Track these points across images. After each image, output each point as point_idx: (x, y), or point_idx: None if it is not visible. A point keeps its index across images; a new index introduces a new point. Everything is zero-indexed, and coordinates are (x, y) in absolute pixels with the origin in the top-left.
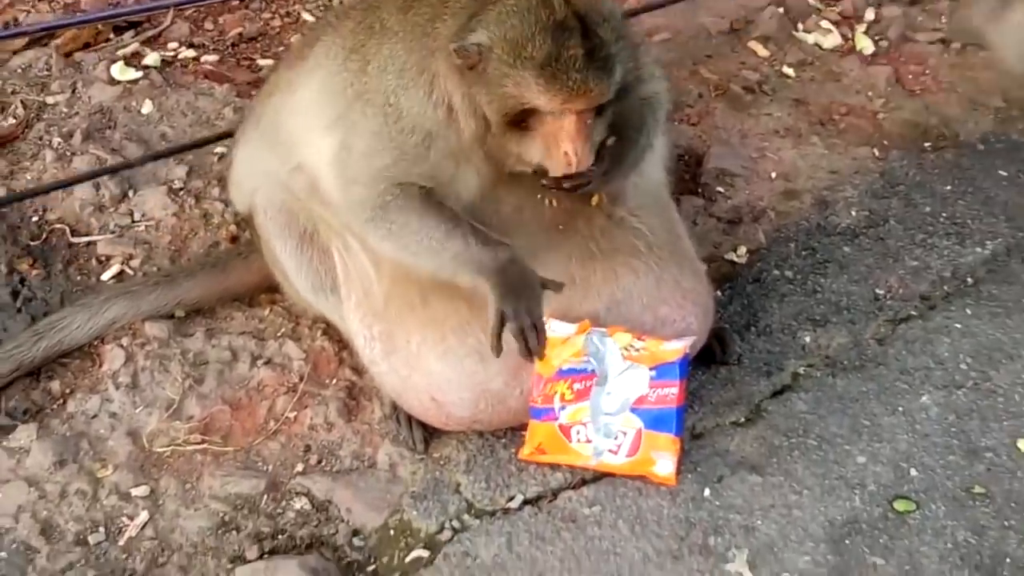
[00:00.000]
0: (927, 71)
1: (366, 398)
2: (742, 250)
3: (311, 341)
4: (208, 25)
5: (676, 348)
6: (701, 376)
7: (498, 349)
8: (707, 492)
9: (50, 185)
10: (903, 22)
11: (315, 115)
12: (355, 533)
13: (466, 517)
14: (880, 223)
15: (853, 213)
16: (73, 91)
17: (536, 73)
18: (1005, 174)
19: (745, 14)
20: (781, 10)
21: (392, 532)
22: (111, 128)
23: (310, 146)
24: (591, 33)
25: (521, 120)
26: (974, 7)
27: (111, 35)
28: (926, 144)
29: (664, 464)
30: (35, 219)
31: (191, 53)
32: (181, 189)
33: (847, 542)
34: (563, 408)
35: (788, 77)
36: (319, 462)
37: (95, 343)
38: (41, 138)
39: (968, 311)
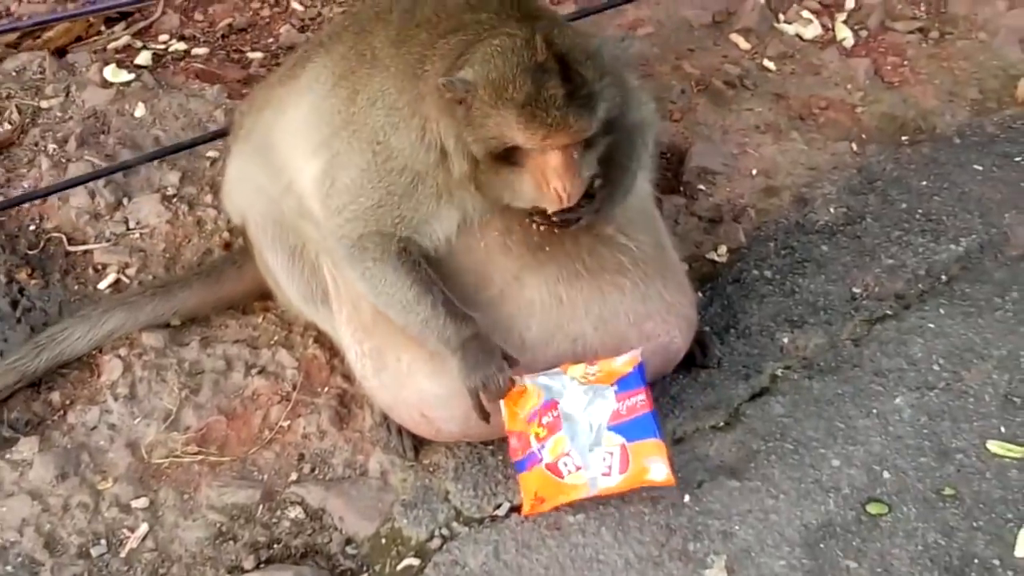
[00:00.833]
0: (905, 62)
1: (357, 406)
2: (723, 249)
3: (303, 349)
4: (198, 16)
5: (628, 359)
6: (682, 380)
7: (484, 416)
8: (687, 498)
9: (44, 191)
10: (883, 10)
11: (303, 137)
12: (348, 542)
13: (455, 525)
14: (857, 220)
15: (831, 210)
16: (67, 94)
17: (516, 113)
18: (980, 168)
19: (727, 6)
20: (762, 0)
21: (384, 541)
22: (105, 133)
23: (297, 167)
24: (572, 73)
25: (509, 158)
26: None
27: (102, 27)
28: (903, 138)
29: (658, 469)
30: (32, 228)
31: (182, 46)
32: (174, 196)
33: (821, 546)
34: (542, 447)
35: (768, 71)
36: (312, 471)
37: (93, 353)
38: (36, 144)
39: (942, 311)
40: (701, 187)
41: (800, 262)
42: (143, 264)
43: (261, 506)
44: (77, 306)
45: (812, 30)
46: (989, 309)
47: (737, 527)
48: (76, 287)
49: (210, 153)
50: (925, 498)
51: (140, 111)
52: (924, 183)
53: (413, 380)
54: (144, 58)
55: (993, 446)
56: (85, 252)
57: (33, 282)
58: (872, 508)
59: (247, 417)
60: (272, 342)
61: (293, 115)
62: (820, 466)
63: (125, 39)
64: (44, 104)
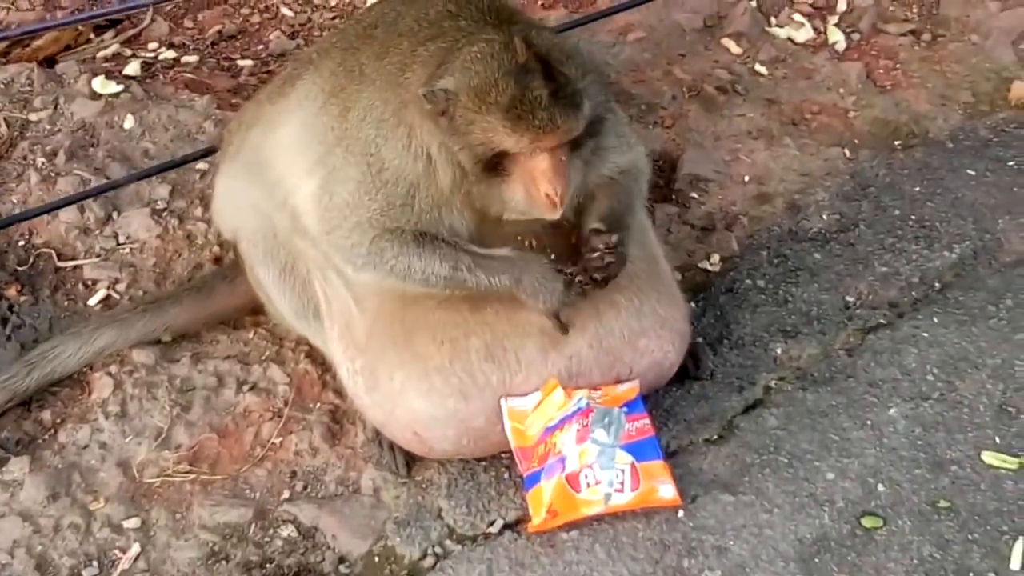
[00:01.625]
0: (898, 65)
1: (349, 422)
2: (715, 258)
3: (295, 364)
4: (188, 23)
5: (630, 388)
6: (675, 392)
7: (564, 330)
8: (681, 513)
9: (35, 211)
10: (874, 12)
11: (297, 154)
12: (341, 560)
13: (448, 543)
14: (850, 227)
15: (824, 217)
16: (55, 107)
17: (502, 117)
18: (973, 173)
19: (719, 9)
20: (754, 3)
21: (377, 559)
22: (94, 146)
23: (291, 184)
24: (555, 72)
25: (497, 164)
26: None
27: (91, 36)
28: (896, 143)
29: (666, 488)
30: (21, 243)
31: (171, 54)
32: (164, 210)
33: (816, 560)
34: (564, 459)
35: (760, 75)
36: (305, 488)
37: (84, 370)
38: (25, 157)
39: (935, 319)
40: (693, 195)
41: (793, 271)
42: (133, 279)
43: (253, 525)
44: (67, 322)
45: (804, 34)
46: (983, 317)
47: (731, 542)
48: (66, 303)
49: (200, 166)
50: (920, 511)
51: (129, 123)
52: (917, 189)
53: (406, 399)
54: (133, 68)
55: (988, 457)
56: (75, 268)
57: (23, 298)
58: (867, 522)
59: (239, 434)
60: (263, 358)
61: (285, 133)
62: (814, 479)
63: (114, 47)
64: (33, 117)
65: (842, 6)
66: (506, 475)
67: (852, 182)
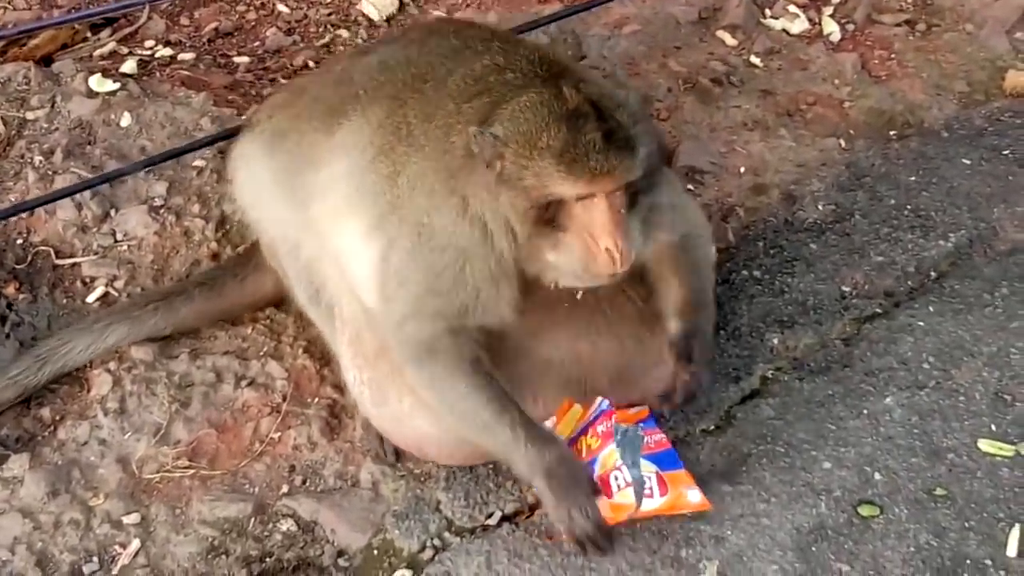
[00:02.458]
0: (893, 55)
1: (348, 416)
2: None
3: (293, 360)
4: (184, 20)
5: (640, 409)
6: None
7: (582, 550)
8: None
9: (32, 202)
10: (869, 3)
11: (348, 210)
12: (340, 554)
13: (447, 535)
14: (846, 217)
15: (820, 207)
16: (52, 105)
17: (555, 161)
18: (968, 162)
19: (713, 2)
20: None
21: (376, 552)
22: (91, 143)
23: (344, 241)
24: (607, 116)
25: (551, 219)
26: None
27: (88, 34)
28: (891, 132)
29: (694, 494)
30: (20, 242)
31: (168, 51)
32: (162, 207)
33: (814, 549)
34: (595, 460)
35: (756, 67)
36: (304, 482)
37: (83, 367)
38: (23, 156)
39: (931, 308)
40: (689, 187)
41: (789, 261)
42: (131, 276)
43: (253, 519)
44: (66, 320)
45: (799, 25)
46: (979, 306)
47: (729, 532)
48: (64, 301)
49: (197, 163)
50: (916, 499)
51: (126, 120)
52: (912, 178)
53: (414, 422)
54: (129, 66)
55: (984, 445)
56: (73, 265)
57: (21, 296)
58: (864, 510)
59: (237, 430)
60: (261, 353)
61: (330, 173)
62: (811, 469)
63: (111, 45)
64: (30, 115)
65: None
66: (504, 467)
67: (847, 172)
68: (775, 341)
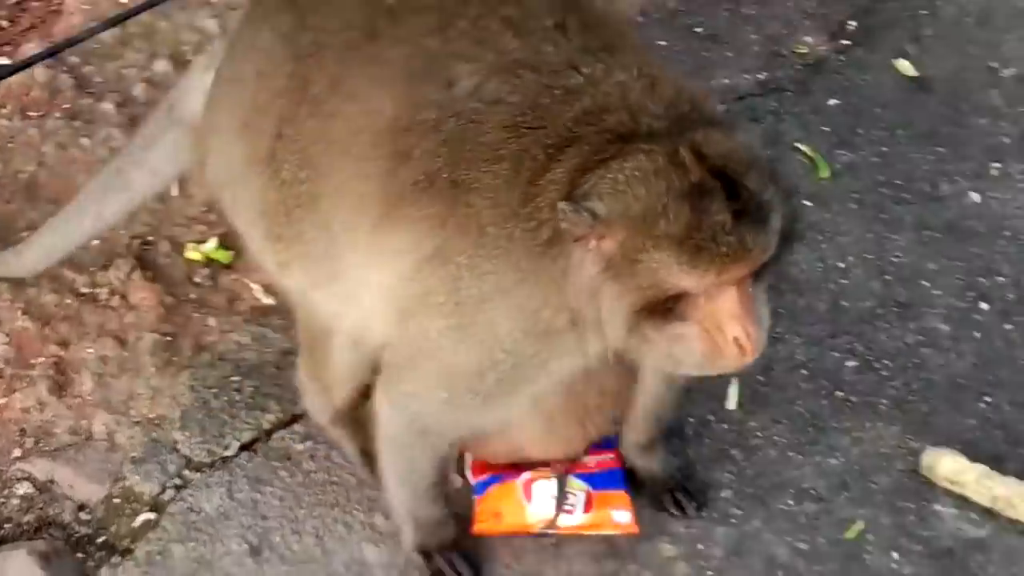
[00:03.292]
0: None
1: (74, 371)
2: None
3: (12, 323)
4: None
5: (607, 459)
6: None
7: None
8: None
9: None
10: None
11: (387, 303)
12: (81, 508)
13: (186, 473)
14: None
15: None
16: None
17: (677, 251)
18: (664, 43)
19: None
20: None
21: (117, 501)
22: None
23: (368, 302)
24: (737, 187)
25: (667, 310)
26: None
27: None
28: None
29: (621, 515)
30: None
31: None
32: None
33: None
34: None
35: None
36: (37, 443)
37: None
38: None
39: None
40: None
41: None
42: None
43: None
44: None
45: None
46: None
47: None
48: None
49: None
50: None
51: None
52: None
53: None
54: None
55: None
56: None
57: None
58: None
59: None
60: None
61: (377, 250)
62: None
63: None
64: None
65: None
66: (237, 398)
67: None
68: None
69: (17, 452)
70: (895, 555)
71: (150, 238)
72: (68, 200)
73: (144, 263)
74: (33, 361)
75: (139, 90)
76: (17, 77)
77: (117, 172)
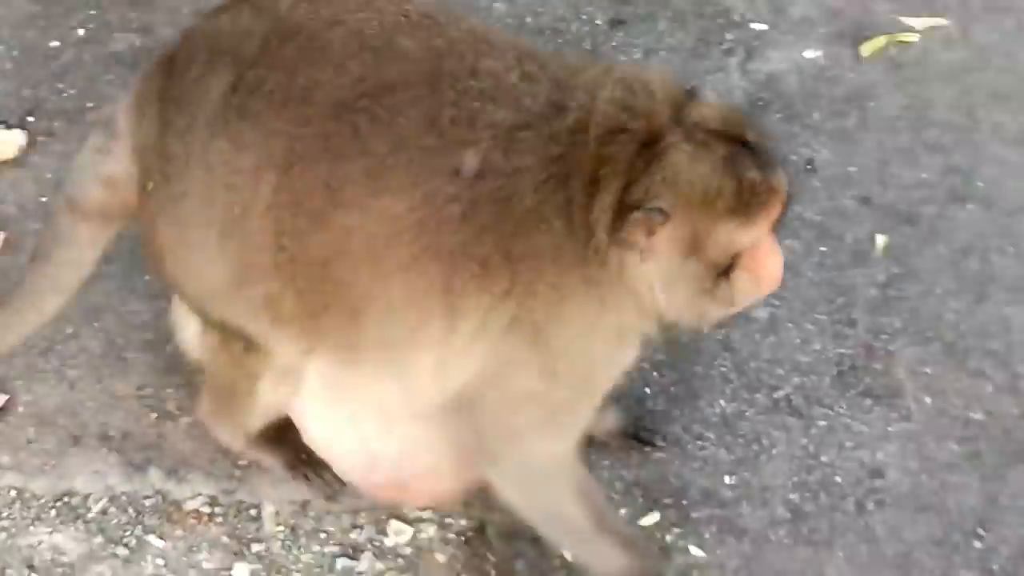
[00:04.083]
0: None
1: None
2: None
3: None
4: None
5: None
6: None
7: None
8: None
9: None
10: None
11: (456, 363)
12: None
13: None
14: None
15: None
16: None
17: (734, 218)
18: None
19: None
20: None
21: None
22: None
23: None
24: (748, 143)
25: (724, 271)
26: None
27: None
28: None
29: None
30: None
31: None
32: None
33: None
34: None
35: None
36: None
37: None
38: None
39: None
40: None
41: None
42: None
43: None
44: None
45: None
46: None
47: None
48: None
49: None
50: None
51: None
52: None
53: None
54: None
55: None
56: None
57: None
58: None
59: None
60: None
61: (443, 342)
62: None
63: None
64: None
65: None
66: None
67: None
68: None
69: None
70: None
71: None
72: None
73: None
74: None
75: None
76: None
77: (42, 276)
